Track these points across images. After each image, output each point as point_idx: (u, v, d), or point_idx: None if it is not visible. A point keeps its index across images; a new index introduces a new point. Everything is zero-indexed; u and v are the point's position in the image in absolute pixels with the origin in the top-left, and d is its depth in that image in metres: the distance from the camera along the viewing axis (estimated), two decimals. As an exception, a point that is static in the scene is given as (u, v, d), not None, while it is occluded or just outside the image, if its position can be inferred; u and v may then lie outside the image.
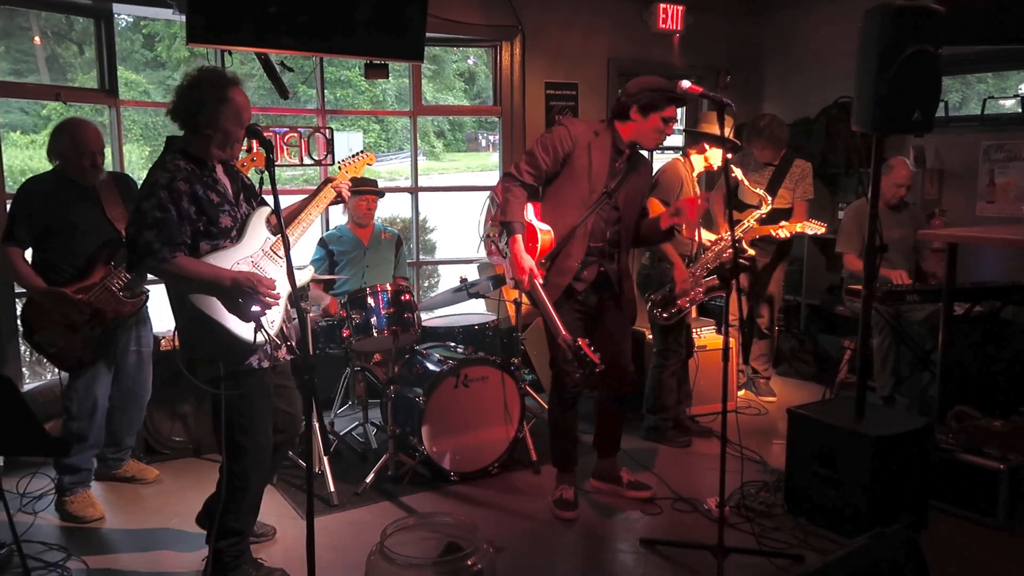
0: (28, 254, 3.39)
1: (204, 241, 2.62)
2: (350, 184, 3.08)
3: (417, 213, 5.85)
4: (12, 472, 3.80)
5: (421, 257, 6.47)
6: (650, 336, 4.81)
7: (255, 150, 4.10)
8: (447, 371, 3.75)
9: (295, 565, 2.94)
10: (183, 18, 4.07)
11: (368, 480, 3.70)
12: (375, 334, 3.80)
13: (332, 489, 3.59)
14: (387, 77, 4.88)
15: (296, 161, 4.80)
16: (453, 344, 4.23)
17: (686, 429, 4.38)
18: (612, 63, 5.82)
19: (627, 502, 3.60)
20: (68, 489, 3.48)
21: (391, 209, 9.16)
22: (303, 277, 3.06)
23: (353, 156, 3.32)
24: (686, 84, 2.97)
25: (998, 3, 3.97)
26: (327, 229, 4.90)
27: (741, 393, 5.04)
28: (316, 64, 5.06)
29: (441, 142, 19.95)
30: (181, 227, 2.54)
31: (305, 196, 3.08)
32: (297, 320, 3.00)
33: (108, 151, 3.69)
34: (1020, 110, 5.27)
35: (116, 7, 4.51)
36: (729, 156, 3.97)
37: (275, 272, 2.74)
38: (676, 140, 6.39)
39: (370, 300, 3.83)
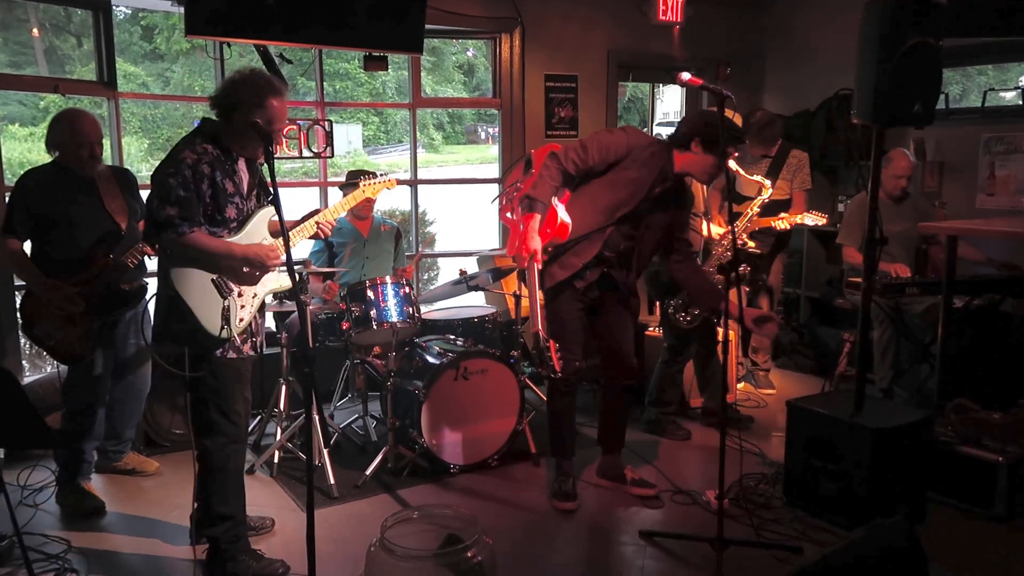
0: (27, 246, 3.39)
1: (205, 227, 2.69)
2: (333, 225, 3.09)
3: (416, 206, 5.84)
4: (13, 464, 3.80)
5: (420, 250, 6.45)
6: (651, 330, 4.82)
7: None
8: (447, 364, 3.75)
9: (295, 557, 2.95)
10: (181, 10, 4.06)
11: (368, 472, 3.70)
12: (375, 327, 3.80)
13: (332, 481, 3.60)
14: (386, 69, 4.87)
15: (295, 154, 4.79)
16: (453, 337, 4.23)
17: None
18: (612, 55, 5.80)
19: (627, 494, 3.61)
20: (69, 481, 3.48)
21: (390, 202, 9.15)
22: (284, 281, 3.04)
23: (376, 179, 3.38)
24: (686, 76, 2.96)
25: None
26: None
27: (740, 386, 5.04)
28: (315, 56, 5.05)
29: (440, 135, 19.91)
30: (199, 206, 2.65)
31: (295, 221, 3.12)
32: (296, 315, 3.02)
33: (107, 143, 3.69)
34: (1021, 102, 5.26)
35: (114, -2, 4.49)
36: (735, 152, 3.99)
37: (265, 273, 2.84)
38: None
39: (370, 293, 3.83)
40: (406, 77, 5.60)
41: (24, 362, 4.48)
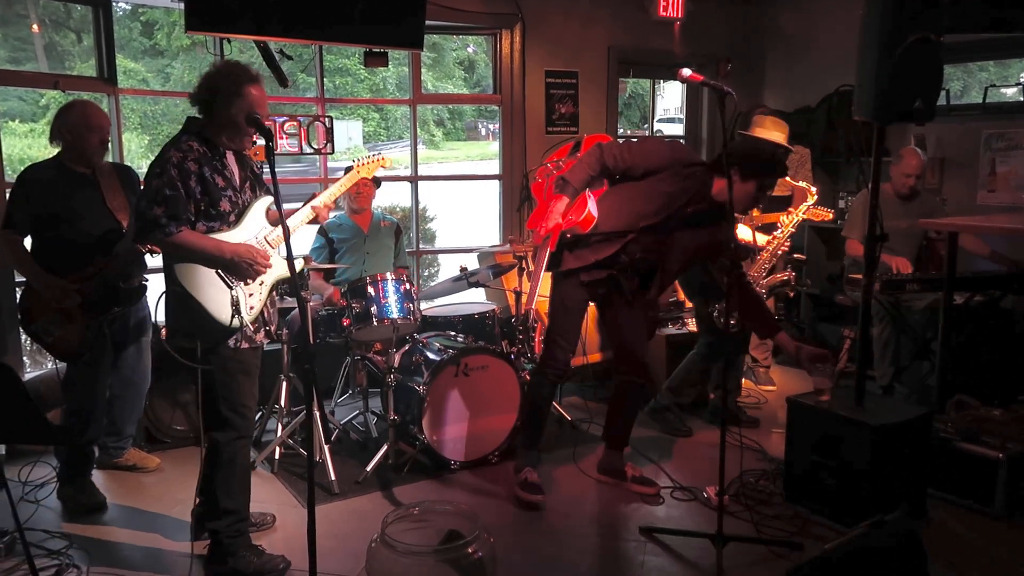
0: (27, 242, 3.39)
1: (201, 222, 2.72)
2: (332, 207, 3.10)
3: (417, 202, 5.84)
4: (14, 461, 3.81)
5: (421, 246, 6.46)
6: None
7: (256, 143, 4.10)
8: (447, 360, 3.76)
9: (296, 553, 2.95)
10: (182, 6, 4.06)
11: (369, 469, 3.71)
12: (375, 323, 3.80)
13: (333, 477, 3.60)
14: (387, 65, 4.86)
15: (295, 150, 4.78)
16: (453, 333, 4.23)
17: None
18: (612, 51, 5.79)
19: (627, 491, 3.61)
20: (70, 477, 3.49)
21: (391, 198, 9.15)
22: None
23: (368, 157, 3.37)
24: (687, 72, 2.96)
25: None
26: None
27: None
28: (315, 52, 5.04)
29: (441, 131, 19.89)
30: (187, 204, 2.67)
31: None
32: (297, 309, 3.03)
33: (108, 143, 3.68)
34: (1022, 99, 5.25)
35: (114, -6, 4.48)
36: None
37: (252, 276, 2.83)
38: (676, 129, 6.38)
39: (370, 289, 3.83)
40: (406, 73, 5.60)
41: (25, 358, 4.48)
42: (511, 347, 4.27)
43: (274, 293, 2.94)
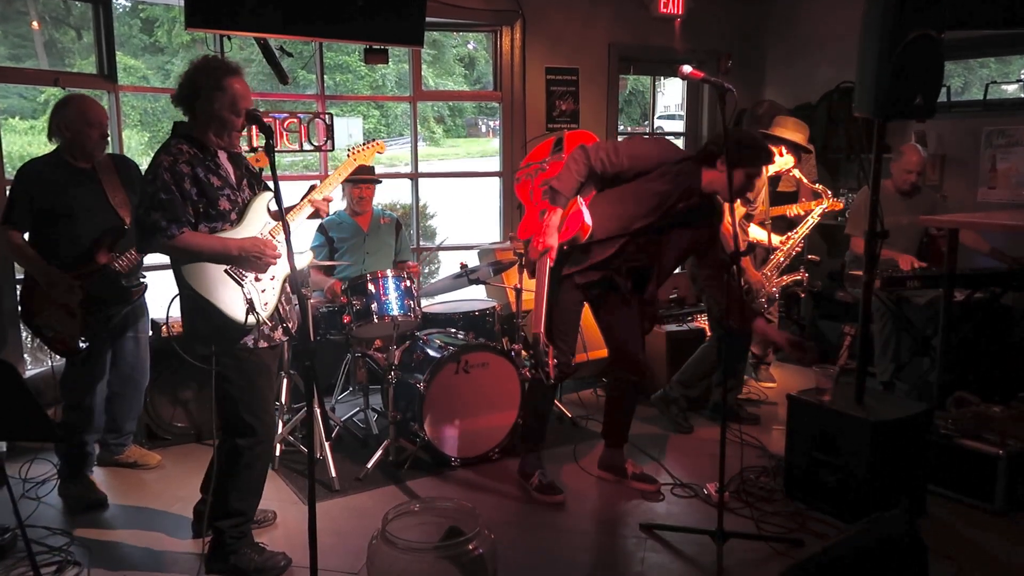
0: (26, 237, 3.38)
1: (203, 223, 2.69)
2: (330, 199, 3.08)
3: (417, 199, 5.84)
4: (14, 457, 3.81)
5: (421, 243, 6.46)
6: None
7: (256, 142, 4.10)
8: (448, 357, 3.76)
9: (297, 550, 2.96)
10: (182, 2, 4.05)
11: (369, 465, 3.71)
12: (376, 320, 3.80)
13: (333, 474, 3.61)
14: (387, 62, 4.85)
15: (296, 147, 4.78)
16: (454, 330, 4.23)
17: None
18: (613, 48, 5.79)
19: (627, 487, 3.61)
20: (70, 474, 3.49)
21: (391, 195, 9.14)
22: (301, 262, 3.07)
23: (363, 144, 3.33)
24: (687, 69, 2.96)
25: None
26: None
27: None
28: (315, 49, 5.04)
29: (441, 128, 19.88)
30: (185, 206, 2.64)
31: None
32: (297, 304, 3.02)
33: (108, 136, 3.67)
34: (1023, 95, 5.25)
35: (114, -9, 4.48)
36: (798, 160, 4.00)
37: (263, 269, 2.81)
38: (676, 126, 6.37)
39: (371, 286, 3.83)
40: (407, 70, 5.59)
41: (26, 355, 4.48)
42: (511, 344, 4.27)
43: (288, 289, 2.88)
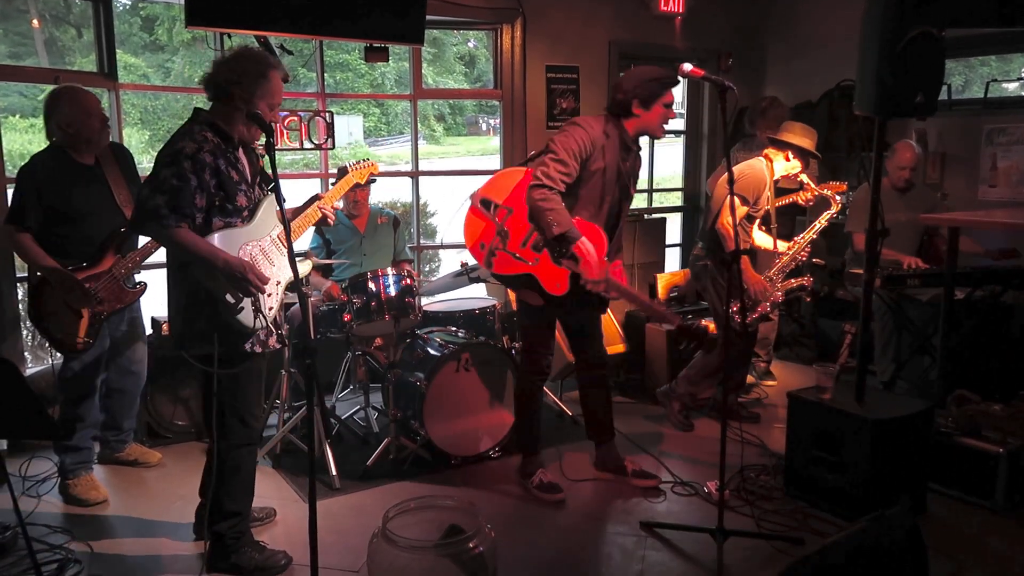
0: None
1: (218, 217, 2.63)
2: (337, 207, 3.09)
3: (418, 197, 5.84)
4: (13, 455, 3.81)
5: (422, 242, 6.46)
6: (651, 324, 4.81)
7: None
8: (448, 355, 3.76)
9: (297, 548, 2.96)
10: (182, 1, 4.05)
11: (370, 464, 3.72)
12: (376, 318, 3.80)
13: (334, 472, 3.61)
14: (387, 60, 4.85)
15: (296, 145, 4.78)
16: (454, 328, 4.23)
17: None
18: (613, 46, 5.78)
19: (627, 485, 3.62)
20: (71, 472, 3.50)
21: (392, 194, 9.15)
22: (302, 269, 3.07)
23: (358, 163, 3.41)
24: (688, 67, 2.96)
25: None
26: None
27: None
28: (316, 47, 5.03)
29: (441, 126, 19.88)
30: (195, 198, 2.54)
31: (297, 207, 3.13)
32: (297, 307, 3.03)
33: (108, 119, 3.63)
34: (1023, 93, 5.24)
35: (114, -11, 4.47)
36: (805, 166, 4.01)
37: (279, 259, 2.80)
38: (677, 124, 6.36)
39: (371, 284, 3.83)
40: (407, 68, 5.59)
41: (27, 354, 4.48)
42: (511, 342, 4.27)
43: (286, 296, 2.88)
